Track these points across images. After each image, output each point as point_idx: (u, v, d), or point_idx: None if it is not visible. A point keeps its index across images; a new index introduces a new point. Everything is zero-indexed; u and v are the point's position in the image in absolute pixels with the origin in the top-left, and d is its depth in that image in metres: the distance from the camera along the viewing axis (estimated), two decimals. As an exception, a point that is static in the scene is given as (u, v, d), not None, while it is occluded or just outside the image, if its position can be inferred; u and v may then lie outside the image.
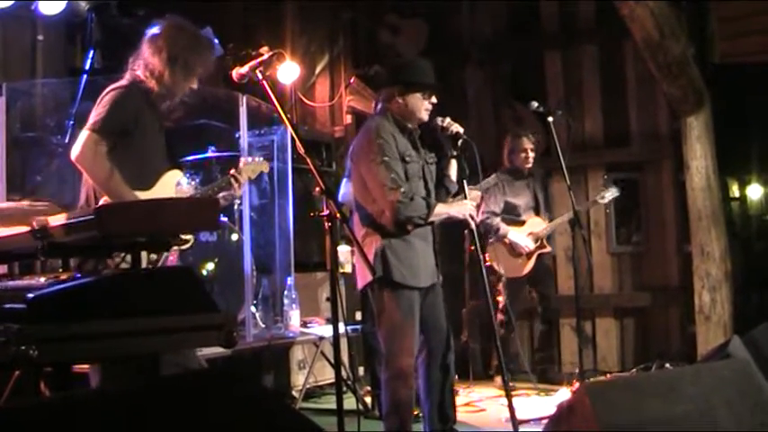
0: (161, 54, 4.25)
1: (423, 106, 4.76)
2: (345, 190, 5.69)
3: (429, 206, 4.64)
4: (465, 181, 4.85)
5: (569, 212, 7.16)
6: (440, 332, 4.81)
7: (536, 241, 7.28)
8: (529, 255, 7.26)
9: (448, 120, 4.81)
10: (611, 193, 7.24)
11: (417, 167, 4.75)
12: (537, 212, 7.44)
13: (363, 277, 4.74)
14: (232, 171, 4.77)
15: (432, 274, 4.78)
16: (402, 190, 4.56)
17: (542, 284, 7.48)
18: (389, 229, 4.64)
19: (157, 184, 4.31)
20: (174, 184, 4.40)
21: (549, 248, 7.38)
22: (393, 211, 4.58)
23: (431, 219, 4.68)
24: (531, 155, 7.35)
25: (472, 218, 4.77)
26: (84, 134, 4.13)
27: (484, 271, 4.86)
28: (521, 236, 7.22)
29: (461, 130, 4.80)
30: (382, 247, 4.62)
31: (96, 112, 4.17)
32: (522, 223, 7.34)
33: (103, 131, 4.10)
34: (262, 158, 5.18)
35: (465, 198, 4.84)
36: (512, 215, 7.28)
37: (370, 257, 4.60)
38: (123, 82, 4.28)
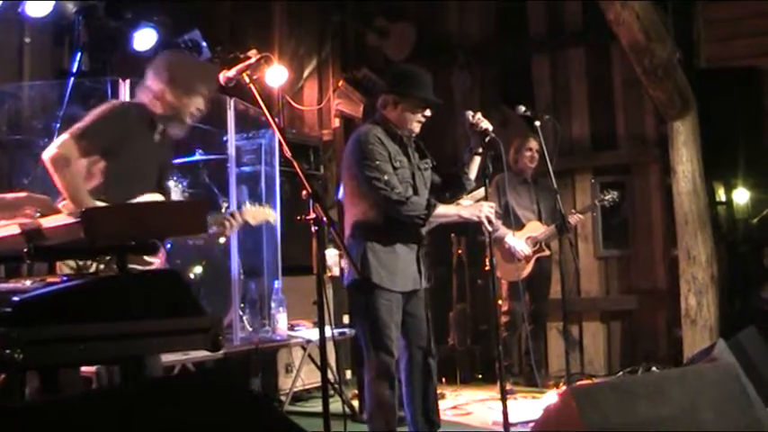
0: (162, 76, 4.36)
1: (415, 118, 4.77)
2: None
3: (429, 206, 4.63)
4: (487, 180, 4.80)
5: (568, 216, 7.20)
6: (421, 338, 4.80)
7: (534, 245, 7.27)
8: (527, 258, 7.25)
9: (478, 116, 4.79)
10: (612, 197, 7.25)
11: (407, 173, 4.75)
12: (538, 217, 7.43)
13: (349, 276, 4.78)
14: (231, 211, 4.75)
15: (413, 281, 4.76)
16: (397, 191, 4.58)
17: (537, 287, 7.45)
18: (373, 231, 4.65)
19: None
20: None
21: (548, 252, 7.38)
22: (392, 211, 4.60)
23: (435, 220, 4.67)
24: (537, 156, 7.38)
25: (489, 221, 4.70)
26: (63, 137, 4.16)
27: (494, 276, 4.84)
28: (518, 240, 7.20)
29: (490, 128, 4.75)
30: (364, 249, 4.63)
31: (83, 121, 4.22)
32: (522, 227, 7.34)
33: (82, 141, 4.13)
34: (269, 208, 5.13)
35: (486, 197, 4.80)
36: (510, 217, 7.26)
37: (354, 257, 4.63)
38: (125, 101, 4.49)
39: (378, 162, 4.61)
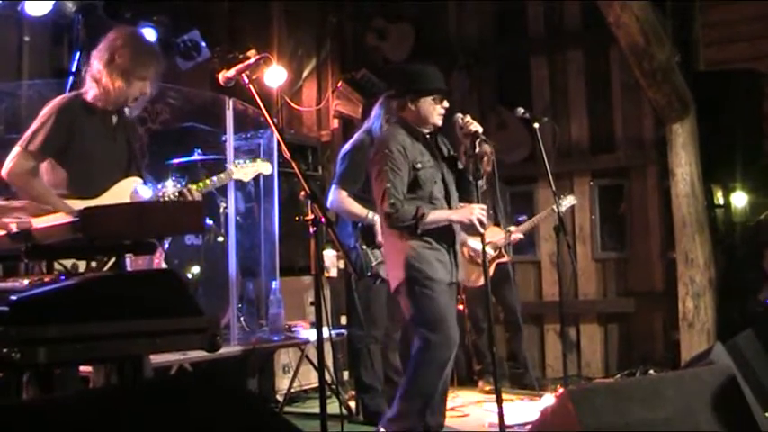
0: (102, 59, 4.19)
1: (435, 111, 4.80)
2: (333, 197, 5.67)
3: (416, 216, 4.61)
4: (478, 182, 4.80)
5: (525, 225, 7.16)
6: None
7: (494, 250, 7.16)
8: (483, 264, 7.08)
9: (468, 118, 4.80)
10: (569, 202, 7.18)
11: (433, 172, 4.76)
12: (495, 222, 7.31)
13: (395, 278, 4.75)
14: (216, 177, 4.67)
15: (451, 273, 4.76)
16: (391, 201, 4.58)
17: (502, 293, 7.37)
18: (408, 230, 4.65)
19: (108, 193, 4.20)
20: (128, 192, 4.28)
21: (507, 258, 7.27)
22: (384, 220, 4.67)
23: (427, 227, 4.64)
24: (491, 159, 7.29)
25: (481, 223, 4.71)
26: (14, 151, 4.12)
27: (487, 275, 4.83)
28: (479, 244, 7.04)
29: (480, 130, 4.76)
30: (403, 248, 4.66)
31: (30, 128, 4.16)
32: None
33: (33, 148, 4.09)
34: (261, 160, 5.09)
35: (477, 200, 4.78)
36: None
37: (394, 259, 4.69)
38: (66, 94, 4.32)
39: (386, 168, 4.63)
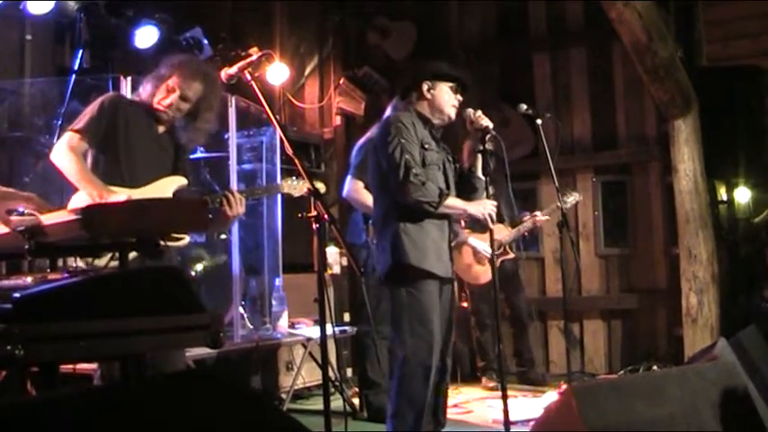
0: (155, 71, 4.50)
1: (450, 101, 4.77)
2: (349, 187, 5.70)
3: (441, 195, 4.56)
4: (488, 178, 4.75)
5: (529, 220, 7.13)
6: (447, 332, 4.72)
7: (498, 248, 7.12)
8: (491, 261, 7.05)
9: (479, 113, 4.76)
10: (574, 198, 7.12)
11: (437, 157, 4.72)
12: (499, 220, 7.25)
13: (384, 264, 4.66)
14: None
15: (446, 268, 4.69)
16: (414, 171, 4.51)
17: (507, 289, 7.39)
18: (406, 214, 4.58)
19: (150, 186, 4.29)
20: (171, 189, 4.36)
21: (511, 254, 7.25)
22: (403, 191, 4.53)
23: (443, 210, 4.60)
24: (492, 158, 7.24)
25: (492, 219, 4.69)
26: (65, 135, 4.29)
27: (495, 272, 4.81)
28: (483, 243, 6.99)
29: (491, 125, 4.73)
30: (397, 231, 4.56)
31: (81, 114, 4.34)
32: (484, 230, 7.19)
33: (78, 126, 4.26)
34: (319, 181, 5.11)
35: (487, 196, 4.75)
36: (473, 221, 7.11)
37: (386, 243, 4.60)
38: (120, 93, 4.59)
39: (402, 141, 4.56)
